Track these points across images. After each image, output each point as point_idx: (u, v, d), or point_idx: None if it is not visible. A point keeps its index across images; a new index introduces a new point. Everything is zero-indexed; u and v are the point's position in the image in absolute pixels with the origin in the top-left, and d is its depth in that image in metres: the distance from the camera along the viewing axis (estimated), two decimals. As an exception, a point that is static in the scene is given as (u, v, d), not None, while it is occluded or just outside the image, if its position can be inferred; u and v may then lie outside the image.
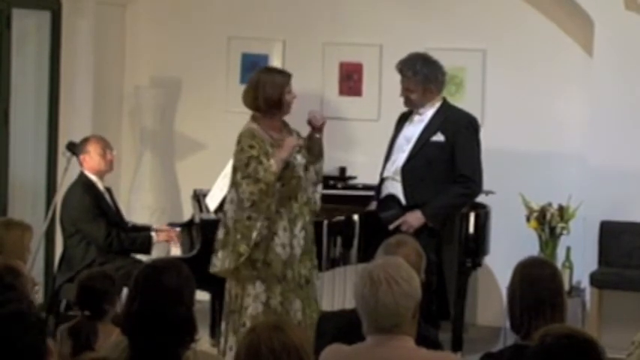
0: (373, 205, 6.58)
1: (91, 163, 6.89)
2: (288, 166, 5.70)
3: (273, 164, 5.64)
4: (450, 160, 6.30)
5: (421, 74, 6.34)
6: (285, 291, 5.69)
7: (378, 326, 3.41)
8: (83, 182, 6.86)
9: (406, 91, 6.40)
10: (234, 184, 5.73)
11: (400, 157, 6.40)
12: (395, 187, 6.39)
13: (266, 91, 5.78)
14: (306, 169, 5.88)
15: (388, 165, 6.46)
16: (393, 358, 3.41)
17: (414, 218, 6.22)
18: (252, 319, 5.71)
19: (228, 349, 5.74)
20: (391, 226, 6.21)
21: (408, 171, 6.32)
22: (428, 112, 6.39)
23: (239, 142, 5.76)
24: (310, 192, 5.89)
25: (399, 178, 6.37)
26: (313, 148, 5.87)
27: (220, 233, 5.75)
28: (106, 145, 6.96)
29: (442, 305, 6.49)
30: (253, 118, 5.84)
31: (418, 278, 3.53)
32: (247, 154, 5.69)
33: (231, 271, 5.71)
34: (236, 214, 5.69)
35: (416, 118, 6.42)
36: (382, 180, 6.52)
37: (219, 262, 5.73)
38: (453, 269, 6.58)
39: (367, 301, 3.41)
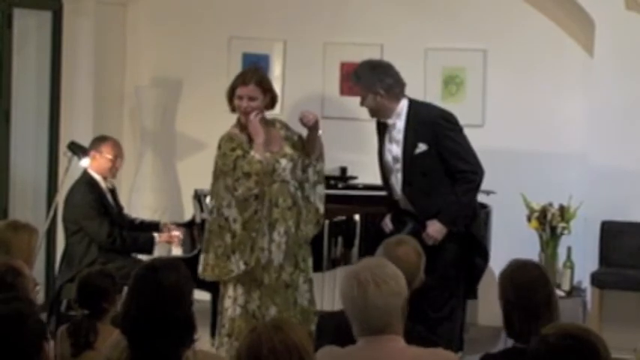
0: (389, 225, 6.39)
1: (99, 162, 6.92)
2: (268, 169, 5.65)
3: (255, 154, 5.62)
4: (440, 164, 6.16)
5: (364, 80, 6.14)
6: (263, 295, 5.67)
7: (369, 327, 3.41)
8: (87, 180, 6.88)
9: (361, 100, 6.22)
10: (227, 188, 5.69)
11: (397, 178, 6.27)
12: (409, 206, 6.28)
13: (228, 88, 5.80)
14: (303, 171, 5.84)
15: (392, 186, 6.32)
16: (385, 358, 3.41)
17: (435, 230, 6.06)
18: (230, 321, 5.70)
19: (215, 348, 5.74)
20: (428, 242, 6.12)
21: (409, 193, 6.16)
22: (399, 124, 6.16)
23: (219, 147, 5.74)
24: (312, 196, 5.85)
25: (406, 199, 6.27)
26: (312, 148, 5.84)
27: (227, 238, 5.71)
28: (119, 153, 7.00)
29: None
30: (237, 120, 5.83)
31: (403, 277, 3.52)
32: (232, 157, 5.66)
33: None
34: (242, 216, 5.67)
35: (394, 133, 6.19)
36: (396, 201, 6.37)
37: (235, 266, 5.69)
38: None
39: (357, 303, 3.40)
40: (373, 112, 6.24)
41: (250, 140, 5.72)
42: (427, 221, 6.10)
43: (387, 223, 6.36)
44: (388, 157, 6.25)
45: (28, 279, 4.26)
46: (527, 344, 3.70)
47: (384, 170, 6.30)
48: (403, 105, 6.17)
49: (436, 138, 6.09)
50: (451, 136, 6.12)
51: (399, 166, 6.19)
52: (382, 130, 6.30)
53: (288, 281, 5.72)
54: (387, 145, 6.25)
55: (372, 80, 6.13)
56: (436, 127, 6.10)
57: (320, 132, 5.84)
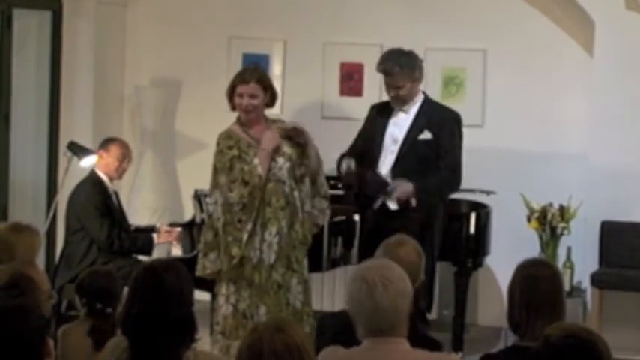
0: (351, 165, 6.36)
1: (106, 161, 6.94)
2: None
3: (258, 166, 5.61)
4: (438, 155, 6.28)
5: (407, 67, 6.28)
6: (253, 295, 5.66)
7: (376, 329, 3.40)
8: (93, 180, 6.91)
9: (395, 89, 6.32)
10: (217, 186, 5.69)
11: (387, 159, 6.32)
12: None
13: (228, 86, 5.79)
14: (300, 181, 5.80)
15: (379, 166, 6.36)
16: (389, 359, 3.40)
17: (406, 185, 6.15)
18: (223, 318, 5.69)
19: (210, 344, 5.74)
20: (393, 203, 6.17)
21: (398, 172, 6.25)
22: (411, 110, 6.33)
23: (218, 144, 5.74)
24: (307, 205, 5.81)
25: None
26: (309, 160, 5.82)
27: (208, 236, 5.70)
28: (127, 154, 7.02)
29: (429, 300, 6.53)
30: (237, 118, 5.82)
31: (408, 278, 3.51)
32: (228, 156, 5.64)
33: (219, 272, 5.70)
34: (225, 217, 5.64)
35: (401, 116, 6.34)
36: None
37: (211, 264, 5.70)
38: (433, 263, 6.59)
39: (365, 305, 3.39)
40: (403, 101, 6.31)
41: (250, 140, 5.70)
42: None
43: (350, 164, 6.33)
44: (387, 139, 6.32)
45: (39, 286, 4.24)
46: (524, 339, 3.72)
47: (375, 151, 6.34)
48: (421, 94, 6.37)
49: (442, 132, 6.24)
50: (455, 138, 6.31)
51: (394, 148, 6.28)
52: (381, 113, 6.41)
53: (280, 282, 5.69)
54: (391, 128, 6.34)
55: (413, 66, 6.31)
56: (447, 124, 6.28)
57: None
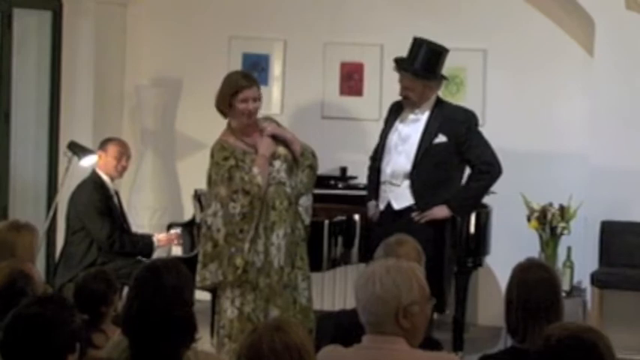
0: (374, 211, 6.44)
1: (104, 160, 6.95)
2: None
3: (257, 175, 5.60)
4: (455, 159, 6.27)
5: (421, 74, 6.29)
6: (258, 299, 5.66)
7: (364, 322, 3.40)
8: (94, 180, 6.92)
9: (405, 90, 6.34)
10: (217, 197, 5.66)
11: (398, 160, 6.30)
12: (393, 192, 6.31)
13: (221, 89, 5.75)
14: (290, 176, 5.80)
15: (384, 166, 6.37)
16: (386, 359, 3.39)
17: (439, 210, 6.23)
18: (229, 322, 5.67)
19: (215, 348, 5.74)
20: (416, 218, 6.22)
21: (416, 177, 6.22)
22: (424, 112, 6.31)
23: (212, 155, 5.72)
24: (298, 207, 5.81)
25: (397, 182, 6.30)
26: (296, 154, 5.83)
27: (208, 247, 5.67)
28: (124, 152, 7.02)
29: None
30: (227, 125, 5.80)
31: (406, 289, 3.46)
32: (225, 167, 5.62)
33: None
34: (226, 228, 5.62)
35: (410, 117, 6.33)
36: (378, 183, 6.42)
37: (211, 275, 5.67)
38: (452, 265, 6.58)
39: (355, 294, 3.42)
40: (413, 103, 6.33)
41: (245, 147, 5.69)
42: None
43: (376, 213, 6.41)
44: (394, 136, 6.30)
45: (39, 283, 4.25)
46: (523, 343, 3.71)
47: (383, 149, 6.35)
48: (433, 97, 6.38)
49: (460, 136, 6.25)
50: (477, 136, 6.34)
51: (402, 147, 6.27)
52: (395, 112, 6.42)
53: (286, 281, 5.70)
54: (397, 125, 6.32)
55: (429, 73, 6.37)
56: (463, 127, 6.28)
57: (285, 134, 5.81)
